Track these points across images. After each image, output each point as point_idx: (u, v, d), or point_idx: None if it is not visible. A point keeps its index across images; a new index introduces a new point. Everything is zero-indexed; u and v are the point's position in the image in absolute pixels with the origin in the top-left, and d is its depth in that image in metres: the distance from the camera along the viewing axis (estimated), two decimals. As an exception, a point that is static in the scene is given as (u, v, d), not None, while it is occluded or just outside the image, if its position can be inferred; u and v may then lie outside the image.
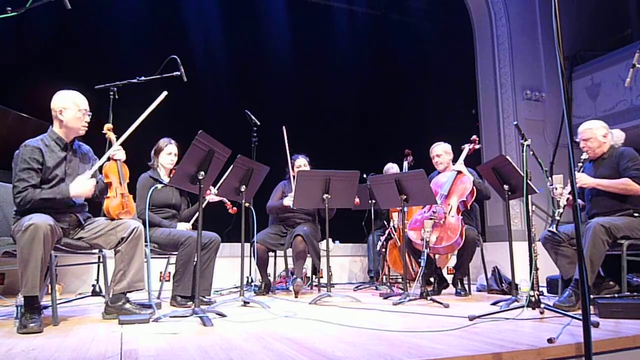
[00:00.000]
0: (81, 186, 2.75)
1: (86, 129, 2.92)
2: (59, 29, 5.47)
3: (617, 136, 3.55)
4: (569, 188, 3.33)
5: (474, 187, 4.19)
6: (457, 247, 4.02)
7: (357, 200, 5.00)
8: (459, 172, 4.27)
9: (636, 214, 3.21)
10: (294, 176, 4.37)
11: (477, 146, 4.48)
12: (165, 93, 3.02)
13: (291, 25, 7.15)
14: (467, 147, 4.43)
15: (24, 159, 2.68)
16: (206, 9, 6.67)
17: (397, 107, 7.39)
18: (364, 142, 7.20)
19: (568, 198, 3.32)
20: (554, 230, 3.25)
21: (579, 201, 3.44)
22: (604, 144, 3.41)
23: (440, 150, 4.44)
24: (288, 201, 4.48)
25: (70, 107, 2.83)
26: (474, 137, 4.50)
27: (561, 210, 3.30)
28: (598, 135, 3.39)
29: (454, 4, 7.66)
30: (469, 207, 4.22)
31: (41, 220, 2.46)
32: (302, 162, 4.79)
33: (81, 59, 5.50)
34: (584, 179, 3.31)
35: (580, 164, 3.39)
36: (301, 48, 7.12)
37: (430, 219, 3.87)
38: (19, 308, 2.50)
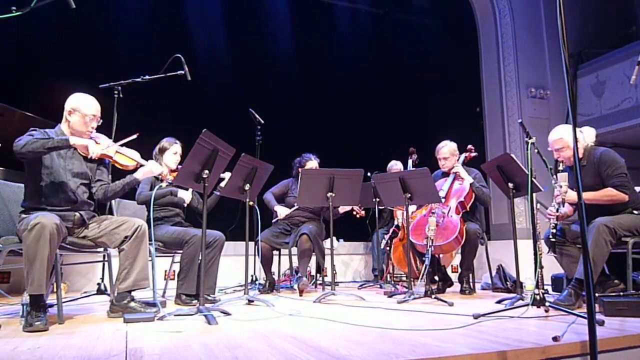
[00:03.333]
0: (84, 140, 2.75)
1: (90, 134, 2.92)
2: (64, 29, 5.49)
3: (589, 135, 3.43)
4: (564, 188, 3.16)
5: (471, 190, 4.21)
6: (458, 245, 4.03)
7: (362, 212, 5.02)
8: (457, 174, 4.31)
9: (635, 212, 3.18)
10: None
11: (473, 154, 4.52)
12: (137, 134, 3.04)
13: (294, 23, 7.15)
14: (462, 156, 4.49)
15: (28, 132, 2.76)
16: (210, 8, 6.68)
17: (401, 106, 7.38)
18: (368, 141, 7.20)
19: (557, 216, 3.23)
20: (553, 255, 3.20)
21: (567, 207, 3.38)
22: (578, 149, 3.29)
23: (447, 153, 4.37)
24: (282, 211, 4.55)
25: (80, 110, 2.87)
26: (470, 146, 4.54)
27: (553, 230, 3.20)
28: (569, 142, 3.23)
29: (457, 2, 7.64)
30: (467, 208, 4.22)
31: (47, 218, 2.47)
32: (313, 164, 4.76)
33: (86, 58, 5.52)
34: (570, 195, 3.15)
35: (563, 173, 3.15)
36: (304, 46, 7.12)
37: (432, 213, 3.89)
38: (24, 306, 2.51)
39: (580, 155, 3.29)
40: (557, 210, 3.24)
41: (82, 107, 2.87)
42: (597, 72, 7.00)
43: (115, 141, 3.01)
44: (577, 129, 3.26)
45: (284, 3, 7.17)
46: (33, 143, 2.59)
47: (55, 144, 2.65)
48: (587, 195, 3.15)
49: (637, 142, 6.74)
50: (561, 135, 3.28)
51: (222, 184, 3.67)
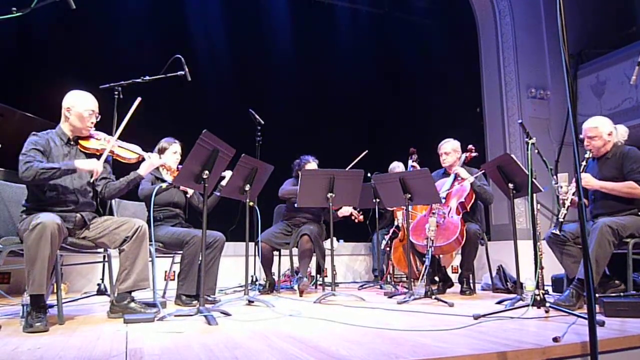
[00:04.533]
0: (88, 162, 2.78)
1: (90, 130, 2.95)
2: (64, 29, 5.49)
3: (621, 133, 3.47)
4: (572, 188, 3.25)
5: (472, 190, 4.20)
6: (458, 245, 4.02)
7: (360, 217, 5.02)
8: (457, 175, 4.30)
9: None
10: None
11: (473, 154, 4.52)
12: (139, 99, 3.02)
13: (294, 24, 7.16)
14: (463, 156, 4.48)
15: (31, 142, 2.77)
16: (210, 9, 6.69)
17: (401, 106, 7.38)
18: (368, 141, 7.18)
19: (572, 199, 3.27)
20: (557, 232, 3.22)
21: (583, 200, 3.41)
22: (609, 142, 3.35)
23: (449, 148, 4.38)
24: None
25: (77, 106, 2.88)
26: (470, 146, 4.54)
27: (565, 211, 3.22)
28: (603, 133, 3.33)
29: (458, 2, 7.64)
30: (468, 209, 4.21)
31: (49, 219, 2.47)
32: (312, 166, 4.76)
33: (86, 58, 5.52)
34: (588, 180, 3.24)
35: (583, 163, 3.28)
36: (305, 47, 7.12)
37: (432, 214, 3.90)
38: (25, 307, 2.51)
39: (608, 149, 3.37)
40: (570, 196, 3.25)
41: (79, 103, 2.89)
42: (597, 73, 7.00)
43: (120, 118, 3.02)
44: (612, 126, 3.39)
45: (284, 3, 7.17)
46: (42, 174, 2.60)
47: (63, 174, 2.69)
48: (607, 184, 3.25)
49: (636, 143, 6.73)
50: (597, 124, 3.36)
51: (223, 183, 3.67)
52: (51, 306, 2.69)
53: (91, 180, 2.90)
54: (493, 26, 7.33)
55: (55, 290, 2.76)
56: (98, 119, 2.98)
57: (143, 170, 3.07)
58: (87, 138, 2.96)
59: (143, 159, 3.08)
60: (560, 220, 3.20)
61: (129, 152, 3.04)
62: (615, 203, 3.24)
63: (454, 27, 7.77)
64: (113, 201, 3.86)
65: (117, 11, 6.01)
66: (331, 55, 7.37)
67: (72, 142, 2.92)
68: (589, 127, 3.39)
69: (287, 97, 6.80)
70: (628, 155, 3.28)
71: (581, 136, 3.43)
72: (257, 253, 4.52)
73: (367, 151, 4.72)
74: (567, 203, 3.23)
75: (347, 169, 4.74)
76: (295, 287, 4.45)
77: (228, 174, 3.59)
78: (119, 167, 3.15)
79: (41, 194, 2.76)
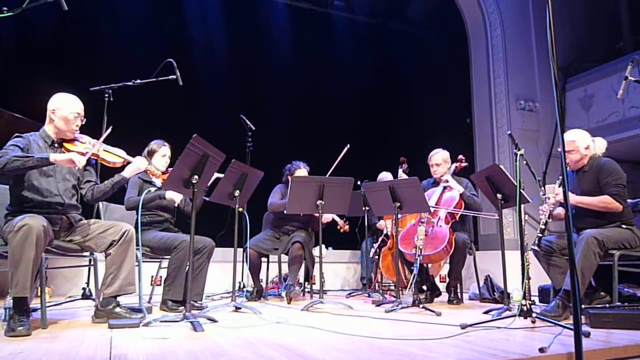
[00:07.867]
0: (64, 155, 2.70)
1: (75, 133, 2.91)
2: (56, 31, 5.46)
3: (599, 146, 3.51)
4: (552, 200, 3.29)
5: (461, 200, 4.23)
6: (446, 255, 4.04)
7: (346, 227, 5.04)
8: (447, 185, 4.33)
9: (624, 226, 3.22)
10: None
11: (463, 164, 4.56)
12: (111, 127, 3.00)
13: (290, 32, 7.19)
14: (453, 166, 4.52)
15: (12, 141, 2.73)
16: (205, 14, 6.69)
17: (392, 115, 7.42)
18: (359, 150, 7.19)
19: (550, 214, 3.29)
20: (536, 248, 3.25)
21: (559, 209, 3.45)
22: (585, 156, 3.37)
23: (440, 159, 4.42)
24: None
25: (62, 109, 2.85)
26: (461, 156, 4.58)
27: (542, 226, 3.26)
28: (580, 147, 3.35)
29: (450, 14, 7.73)
30: (457, 218, 4.24)
31: (34, 221, 2.44)
32: (303, 173, 4.75)
33: (78, 61, 5.50)
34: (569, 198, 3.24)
35: (561, 177, 3.27)
36: (299, 55, 7.15)
37: (421, 222, 3.92)
38: (7, 310, 2.47)
39: (585, 162, 3.39)
40: (550, 213, 3.28)
41: (64, 106, 2.85)
42: (585, 86, 7.11)
43: (109, 123, 3.00)
44: (590, 138, 3.41)
45: (279, 11, 7.21)
46: (14, 162, 2.54)
47: (36, 162, 2.60)
48: (583, 200, 3.25)
49: (624, 156, 6.82)
50: (574, 138, 3.37)
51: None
52: (34, 310, 2.65)
53: (76, 169, 2.80)
54: (484, 38, 7.42)
55: (39, 294, 2.72)
56: (83, 122, 2.94)
57: (128, 172, 3.04)
58: (71, 141, 2.92)
59: (129, 164, 3.05)
60: (539, 235, 3.23)
61: (114, 156, 3.01)
62: (594, 218, 3.25)
63: (445, 38, 7.86)
64: (101, 204, 3.81)
65: (110, 14, 5.99)
66: (324, 63, 7.40)
67: (56, 145, 2.89)
68: (566, 140, 3.36)
69: (279, 104, 6.81)
70: (603, 168, 3.30)
71: (558, 149, 3.44)
72: (245, 259, 4.49)
73: (348, 145, 4.74)
74: (545, 218, 3.26)
75: (332, 167, 4.75)
76: (283, 294, 4.42)
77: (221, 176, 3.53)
78: (104, 172, 3.12)
79: (25, 194, 2.72)
